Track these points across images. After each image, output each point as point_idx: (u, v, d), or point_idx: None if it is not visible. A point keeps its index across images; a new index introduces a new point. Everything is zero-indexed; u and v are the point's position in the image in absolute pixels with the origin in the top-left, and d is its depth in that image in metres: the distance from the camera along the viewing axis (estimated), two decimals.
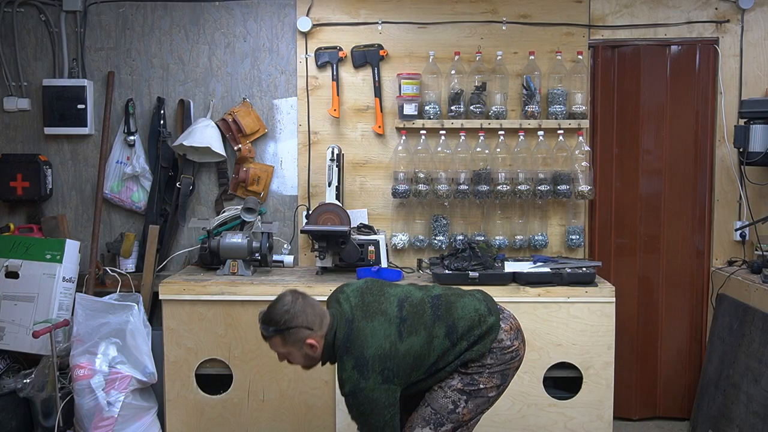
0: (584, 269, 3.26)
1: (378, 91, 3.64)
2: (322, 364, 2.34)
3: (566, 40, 3.65)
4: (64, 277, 3.35)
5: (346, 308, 2.29)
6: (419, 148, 3.58)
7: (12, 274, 3.37)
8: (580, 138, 3.57)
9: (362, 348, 2.19)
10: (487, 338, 2.30)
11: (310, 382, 3.23)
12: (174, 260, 3.74)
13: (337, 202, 3.40)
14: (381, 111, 3.64)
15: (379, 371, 2.17)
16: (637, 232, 3.71)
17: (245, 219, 3.53)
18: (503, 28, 3.66)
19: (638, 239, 3.71)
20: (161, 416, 3.30)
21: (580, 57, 3.61)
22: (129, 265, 3.69)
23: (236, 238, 3.40)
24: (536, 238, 3.64)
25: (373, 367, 2.17)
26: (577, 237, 3.65)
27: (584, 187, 3.53)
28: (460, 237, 3.63)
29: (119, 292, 3.46)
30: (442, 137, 3.58)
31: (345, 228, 3.28)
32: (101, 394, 3.11)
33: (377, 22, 3.67)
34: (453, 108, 3.56)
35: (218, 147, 3.59)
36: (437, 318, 2.29)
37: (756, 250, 3.54)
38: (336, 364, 2.29)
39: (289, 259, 3.65)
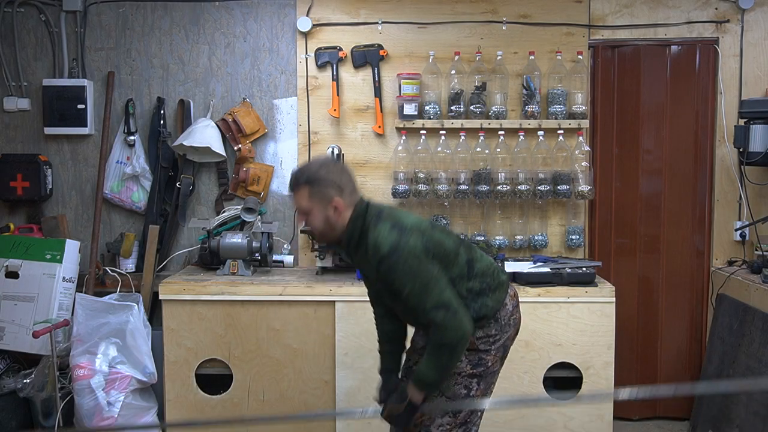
0: (584, 269, 3.26)
1: (378, 91, 3.64)
2: (338, 243, 2.27)
3: (566, 40, 3.65)
4: (64, 277, 3.35)
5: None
6: (419, 148, 3.58)
7: (12, 274, 3.37)
8: (580, 138, 3.57)
9: (399, 218, 2.18)
10: (497, 292, 2.28)
11: (310, 382, 3.23)
12: (174, 260, 3.74)
13: None
14: (381, 111, 3.64)
15: (419, 239, 2.13)
16: (637, 232, 3.71)
17: (245, 219, 3.52)
18: (503, 28, 3.66)
19: (638, 239, 3.71)
20: (161, 416, 3.30)
21: (580, 57, 3.61)
22: (129, 265, 3.69)
23: (236, 238, 3.40)
24: (536, 238, 3.64)
25: (412, 232, 2.13)
26: (577, 237, 3.65)
27: (584, 187, 3.53)
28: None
29: (119, 292, 3.46)
30: (442, 137, 3.58)
31: None
32: (101, 394, 3.11)
33: (377, 22, 3.67)
34: (453, 108, 3.56)
35: (218, 147, 3.58)
36: (461, 243, 2.29)
37: (756, 250, 3.54)
38: (354, 248, 2.24)
39: (289, 259, 3.65)
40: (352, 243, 2.22)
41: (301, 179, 2.18)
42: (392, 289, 2.16)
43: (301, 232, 3.49)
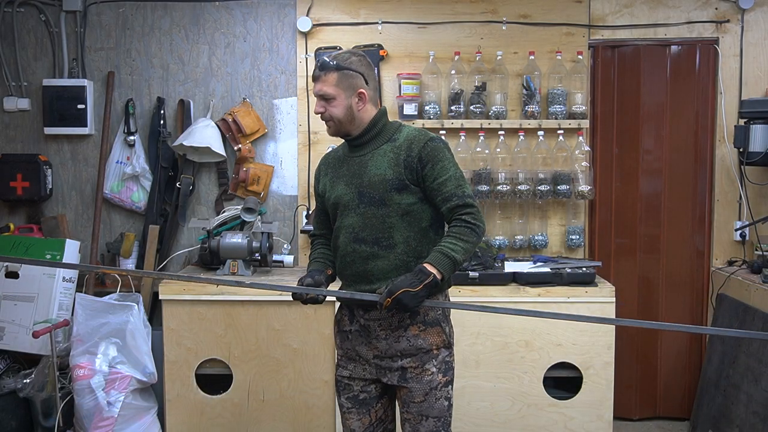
0: (584, 269, 3.26)
1: (378, 91, 3.64)
2: (346, 136, 2.23)
3: (566, 40, 3.65)
4: (64, 277, 3.35)
5: None
6: None
7: (12, 274, 3.37)
8: (580, 138, 3.57)
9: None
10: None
11: (310, 383, 3.23)
12: (174, 260, 3.74)
13: None
14: None
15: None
16: (637, 232, 3.71)
17: (245, 219, 3.52)
18: (503, 28, 3.66)
19: (638, 239, 3.71)
20: (161, 416, 3.30)
21: (580, 57, 3.61)
22: (129, 265, 3.69)
23: (236, 238, 3.40)
24: (536, 238, 3.64)
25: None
26: (577, 237, 3.65)
27: (584, 187, 3.53)
28: None
29: (119, 292, 3.46)
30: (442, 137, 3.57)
31: None
32: (101, 394, 3.11)
33: (377, 22, 3.67)
34: (453, 108, 3.56)
35: (218, 147, 3.59)
36: None
37: (756, 250, 3.54)
38: (367, 141, 2.22)
39: (289, 259, 3.65)
40: (367, 136, 2.21)
41: (330, 65, 2.15)
42: (419, 176, 2.13)
43: (302, 232, 3.48)
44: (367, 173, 2.18)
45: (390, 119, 2.28)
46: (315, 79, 2.18)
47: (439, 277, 2.03)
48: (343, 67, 2.15)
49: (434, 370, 2.18)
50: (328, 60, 2.16)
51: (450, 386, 2.23)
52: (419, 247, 2.18)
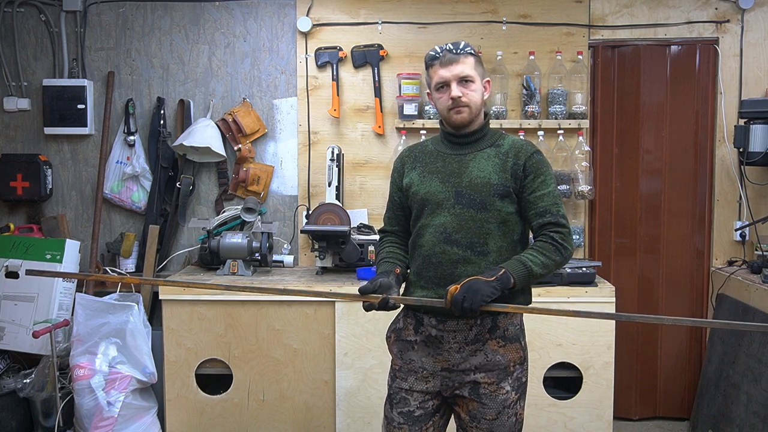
0: (584, 269, 3.26)
1: (378, 91, 3.64)
2: (467, 130, 2.10)
3: (566, 40, 3.65)
4: None
5: None
6: None
7: (12, 274, 3.37)
8: (580, 138, 3.57)
9: None
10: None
11: (310, 382, 3.23)
12: (174, 260, 3.74)
13: (337, 202, 3.40)
14: (381, 111, 3.64)
15: None
16: (637, 232, 3.71)
17: (245, 219, 3.53)
18: (503, 28, 3.66)
19: (638, 239, 3.71)
20: (161, 416, 3.30)
21: (580, 57, 3.61)
22: (129, 265, 3.69)
23: (236, 238, 3.40)
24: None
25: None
26: (577, 237, 3.65)
27: (584, 187, 3.53)
28: None
29: (119, 292, 3.46)
30: None
31: (345, 228, 3.28)
32: (101, 394, 3.11)
33: (377, 22, 3.67)
34: None
35: (218, 147, 3.59)
36: None
37: (756, 250, 3.54)
38: (475, 140, 2.12)
39: (289, 259, 3.65)
40: (477, 135, 2.12)
41: (467, 48, 2.07)
42: (520, 186, 2.05)
43: (302, 232, 3.48)
44: (468, 173, 2.07)
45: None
46: (449, 62, 2.04)
47: (510, 284, 1.92)
48: (475, 53, 2.08)
49: (508, 388, 2.08)
50: (460, 44, 2.07)
51: (521, 402, 2.13)
52: (510, 258, 2.06)
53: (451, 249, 2.05)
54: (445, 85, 2.06)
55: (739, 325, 2.43)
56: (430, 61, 2.09)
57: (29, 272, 2.18)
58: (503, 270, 1.93)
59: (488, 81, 2.13)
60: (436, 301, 1.98)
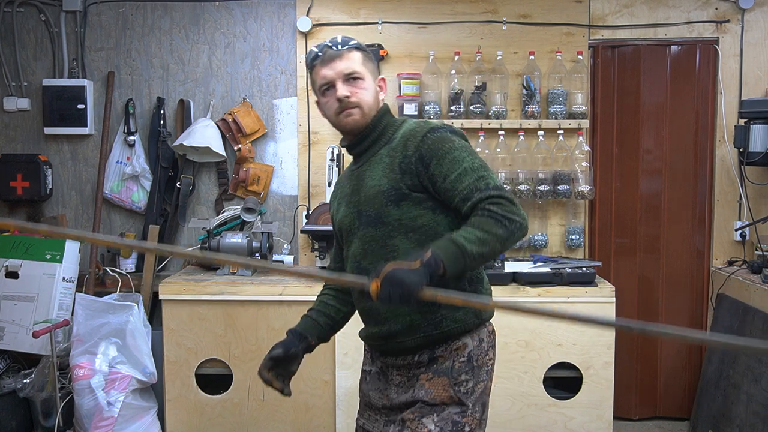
0: (584, 269, 3.26)
1: None
2: (356, 135, 1.83)
3: (566, 40, 3.65)
4: (64, 277, 3.35)
5: None
6: None
7: (12, 274, 3.37)
8: (580, 138, 3.57)
9: None
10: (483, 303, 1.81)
11: (310, 382, 3.23)
12: (174, 260, 3.74)
13: None
14: None
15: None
16: (637, 232, 3.71)
17: (245, 219, 3.53)
18: (503, 28, 3.66)
19: (638, 239, 3.71)
20: (161, 416, 3.30)
21: (580, 57, 3.61)
22: (129, 265, 3.69)
23: (236, 238, 3.40)
24: (536, 238, 3.64)
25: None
26: (577, 237, 3.65)
27: (584, 187, 3.53)
28: None
29: (119, 292, 3.46)
30: None
31: None
32: (101, 394, 3.11)
33: (377, 22, 3.67)
34: (453, 108, 3.56)
35: (218, 147, 3.59)
36: None
37: (756, 250, 3.54)
38: (369, 145, 1.84)
39: (289, 259, 3.65)
40: (368, 140, 1.82)
41: (350, 42, 1.80)
42: (423, 180, 1.71)
43: (302, 232, 3.48)
44: (364, 187, 1.79)
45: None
46: (330, 59, 1.76)
47: (440, 267, 1.54)
48: (363, 49, 1.82)
49: (432, 427, 1.69)
50: (343, 39, 1.81)
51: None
52: None
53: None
54: (330, 85, 1.78)
55: (737, 344, 2.26)
56: (311, 62, 1.81)
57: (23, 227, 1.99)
58: (429, 252, 1.55)
59: (383, 79, 1.86)
60: (353, 277, 1.70)
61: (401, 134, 1.78)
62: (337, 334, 3.14)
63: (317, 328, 1.96)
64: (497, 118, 3.55)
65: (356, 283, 1.63)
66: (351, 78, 1.77)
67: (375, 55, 3.62)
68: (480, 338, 1.80)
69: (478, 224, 1.61)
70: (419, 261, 1.54)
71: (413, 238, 1.73)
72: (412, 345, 1.76)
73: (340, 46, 1.78)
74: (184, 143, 3.51)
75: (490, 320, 1.86)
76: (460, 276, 1.69)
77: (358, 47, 1.81)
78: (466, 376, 1.75)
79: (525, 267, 3.31)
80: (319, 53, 1.79)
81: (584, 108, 3.59)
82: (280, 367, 1.91)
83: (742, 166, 3.52)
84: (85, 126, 3.68)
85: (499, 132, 3.55)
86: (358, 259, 1.79)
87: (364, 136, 1.82)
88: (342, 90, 1.76)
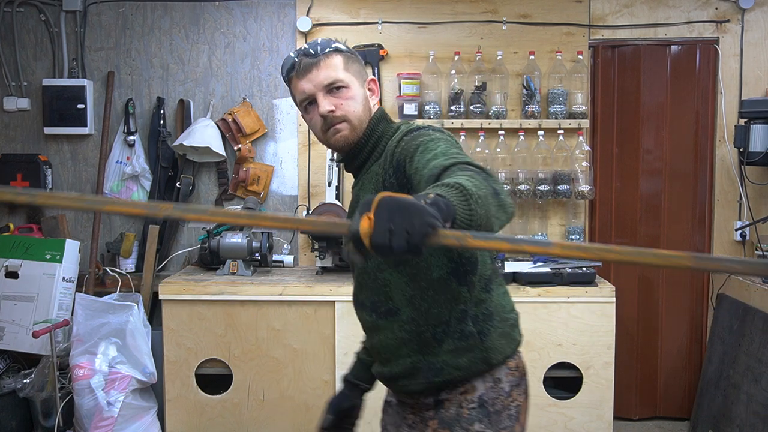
0: (584, 269, 3.26)
1: None
2: (350, 150, 1.57)
3: (566, 40, 3.65)
4: (63, 277, 3.35)
5: None
6: None
7: (12, 274, 3.37)
8: (580, 138, 3.57)
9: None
10: (504, 341, 1.59)
11: (310, 383, 3.23)
12: (174, 260, 3.74)
13: (337, 202, 3.40)
14: None
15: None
16: (637, 232, 3.71)
17: None
18: (503, 28, 3.66)
19: (638, 239, 3.71)
20: (161, 416, 3.30)
21: (580, 57, 3.61)
22: (129, 265, 3.69)
23: (236, 238, 3.40)
24: (536, 238, 3.64)
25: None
26: (577, 237, 3.65)
27: (584, 187, 3.53)
28: None
29: (119, 292, 3.46)
30: None
31: None
32: (101, 394, 3.11)
33: (377, 22, 3.67)
34: (453, 108, 3.56)
35: (218, 147, 3.59)
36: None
37: (756, 250, 3.54)
38: (363, 160, 1.59)
39: (289, 259, 3.65)
40: (364, 152, 1.57)
41: (328, 45, 1.54)
42: (407, 189, 1.41)
43: (301, 232, 3.49)
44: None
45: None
46: (306, 69, 1.53)
47: (435, 219, 0.98)
48: (344, 51, 1.57)
49: None
50: (320, 43, 1.55)
51: None
52: (434, 308, 1.48)
53: (362, 315, 1.60)
54: (310, 100, 1.55)
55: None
56: (287, 75, 1.58)
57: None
58: (431, 194, 1.07)
59: (373, 80, 1.62)
60: (334, 225, 1.07)
61: (389, 146, 1.52)
62: (337, 334, 3.18)
63: (369, 370, 1.76)
64: (497, 118, 3.55)
65: (339, 227, 1.02)
66: (333, 88, 1.53)
67: (374, 55, 3.62)
68: (495, 379, 1.53)
69: (461, 175, 1.20)
70: (425, 202, 1.02)
71: (404, 271, 1.48)
72: (416, 389, 1.54)
73: (313, 56, 1.53)
74: (184, 143, 3.51)
75: (514, 354, 1.59)
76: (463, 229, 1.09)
77: (337, 50, 1.55)
78: (480, 426, 1.48)
79: (525, 267, 3.31)
80: (295, 61, 1.55)
81: (584, 108, 3.59)
82: (344, 422, 1.76)
83: (742, 166, 3.52)
84: (85, 126, 3.68)
85: (499, 132, 3.55)
86: (356, 292, 1.61)
87: (357, 151, 1.57)
88: (324, 105, 1.51)
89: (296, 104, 1.61)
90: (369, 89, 1.60)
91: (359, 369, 1.79)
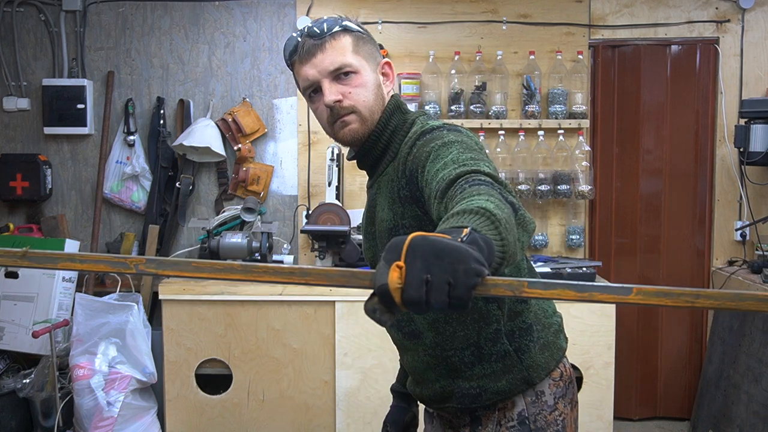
0: (584, 269, 3.26)
1: None
2: (363, 144, 1.42)
3: (566, 39, 3.65)
4: (63, 277, 3.35)
5: None
6: None
7: (12, 274, 3.37)
8: (581, 138, 3.57)
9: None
10: (546, 352, 1.45)
11: (310, 383, 3.23)
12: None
13: (337, 202, 3.40)
14: None
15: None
16: (637, 232, 3.71)
17: (245, 219, 3.52)
18: (503, 27, 3.66)
19: (638, 239, 3.71)
20: (161, 416, 3.30)
21: (580, 57, 3.60)
22: None
23: (236, 238, 3.40)
24: (536, 238, 3.64)
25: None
26: (577, 237, 3.64)
27: (584, 187, 3.53)
28: None
29: (119, 292, 3.45)
30: None
31: (345, 228, 3.28)
32: (101, 394, 3.11)
33: (377, 22, 3.67)
34: (453, 108, 3.56)
35: (218, 147, 3.58)
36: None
37: (756, 250, 3.54)
38: (377, 157, 1.44)
39: (289, 259, 3.65)
40: (377, 148, 1.42)
41: (335, 24, 1.36)
42: (423, 201, 1.28)
43: (302, 232, 3.48)
44: (376, 219, 1.42)
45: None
46: (310, 53, 1.34)
47: (488, 245, 0.88)
48: (354, 30, 1.37)
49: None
50: (326, 22, 1.36)
51: None
52: (460, 331, 1.35)
53: (390, 330, 1.47)
54: (316, 88, 1.37)
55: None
56: (289, 58, 1.39)
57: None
58: (466, 228, 0.88)
59: (388, 63, 1.43)
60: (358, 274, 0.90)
61: (404, 149, 1.36)
62: (337, 335, 3.17)
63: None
64: (497, 118, 3.55)
65: (359, 279, 0.86)
66: (341, 74, 1.35)
67: None
68: (538, 392, 1.37)
69: (472, 196, 1.02)
70: (461, 239, 0.84)
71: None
72: (451, 411, 1.43)
73: (322, 32, 1.34)
74: (184, 143, 3.51)
75: (558, 364, 1.42)
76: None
77: (345, 29, 1.36)
78: None
79: None
80: (298, 42, 1.37)
81: (584, 108, 3.59)
82: None
83: (743, 166, 3.52)
84: (85, 126, 3.68)
85: (499, 132, 3.55)
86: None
87: (369, 147, 1.41)
88: (330, 94, 1.34)
89: (300, 91, 1.44)
90: (383, 74, 1.42)
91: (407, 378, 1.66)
